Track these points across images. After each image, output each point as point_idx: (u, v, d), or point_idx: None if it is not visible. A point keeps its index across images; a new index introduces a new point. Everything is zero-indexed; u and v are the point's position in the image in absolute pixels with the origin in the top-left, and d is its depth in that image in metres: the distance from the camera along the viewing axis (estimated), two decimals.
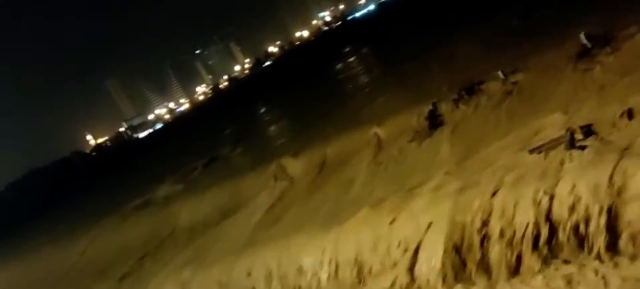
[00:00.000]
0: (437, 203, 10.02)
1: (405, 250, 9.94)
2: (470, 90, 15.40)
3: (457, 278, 9.02)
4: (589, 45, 13.25)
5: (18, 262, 31.23)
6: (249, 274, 12.94)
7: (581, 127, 9.19)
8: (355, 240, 11.00)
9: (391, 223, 10.61)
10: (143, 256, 20.23)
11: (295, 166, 19.03)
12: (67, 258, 25.29)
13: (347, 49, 66.59)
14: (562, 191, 8.22)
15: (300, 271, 11.70)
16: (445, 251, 9.16)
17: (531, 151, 9.49)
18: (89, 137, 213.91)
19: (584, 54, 13.01)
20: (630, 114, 8.90)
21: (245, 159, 28.46)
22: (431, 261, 9.31)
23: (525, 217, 8.48)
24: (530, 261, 8.38)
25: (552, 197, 8.28)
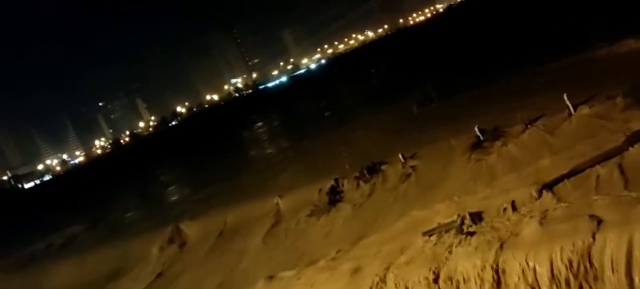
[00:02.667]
0: (332, 281, 9.95)
1: None
2: (372, 169, 15.84)
3: None
4: (481, 137, 14.19)
5: None
6: None
7: (471, 214, 9.64)
8: None
9: None
10: None
11: (192, 230, 18.39)
12: None
13: (256, 117, 66.93)
14: (449, 272, 8.48)
15: None
16: None
17: (424, 234, 9.77)
18: None
19: (477, 145, 13.88)
20: (513, 206, 9.50)
21: (139, 220, 27.05)
22: None
23: None
24: None
25: (438, 278, 8.51)
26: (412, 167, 14.94)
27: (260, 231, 15.55)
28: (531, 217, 8.60)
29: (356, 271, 9.71)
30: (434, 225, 9.95)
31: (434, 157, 14.75)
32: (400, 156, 15.56)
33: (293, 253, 12.59)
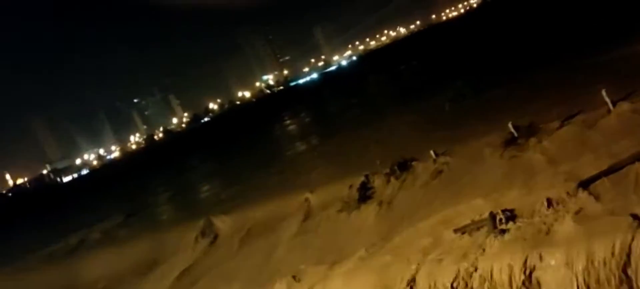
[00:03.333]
0: (361, 276, 9.92)
1: None
2: (403, 166, 15.71)
3: None
4: (516, 134, 13.92)
5: None
6: None
7: (504, 211, 9.47)
8: None
9: None
10: None
11: (224, 224, 18.61)
12: None
13: (287, 114, 67.22)
14: (481, 270, 8.35)
15: None
16: None
17: (456, 231, 9.65)
18: (7, 177, 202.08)
19: (510, 142, 13.63)
20: (548, 203, 9.28)
21: (173, 213, 27.57)
22: None
23: None
24: None
25: (471, 276, 8.38)
26: (444, 164, 14.76)
27: (291, 226, 15.62)
28: (566, 215, 8.40)
29: (386, 267, 9.66)
30: (466, 222, 9.82)
31: (466, 154, 14.54)
32: (431, 152, 15.39)
33: (323, 249, 12.59)
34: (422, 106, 27.46)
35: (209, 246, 17.69)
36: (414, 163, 15.58)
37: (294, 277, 11.24)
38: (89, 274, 20.56)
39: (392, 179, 15.43)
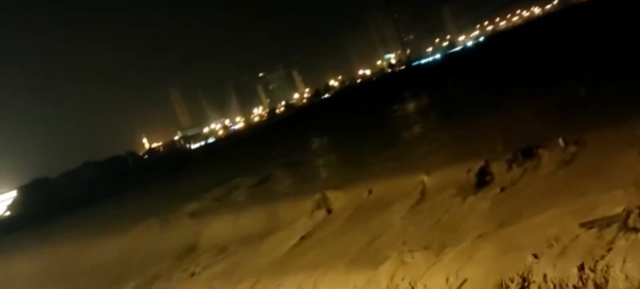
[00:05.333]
0: (473, 263, 9.55)
1: None
2: (527, 153, 14.81)
3: None
4: None
5: (44, 251, 31.82)
6: None
7: None
8: (385, 287, 10.65)
9: (423, 274, 10.20)
10: (175, 263, 20.35)
11: (338, 199, 18.85)
12: (101, 254, 25.77)
13: (407, 94, 66.37)
14: (606, 269, 7.65)
15: None
16: None
17: (582, 225, 8.93)
18: (144, 140, 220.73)
19: None
20: None
21: (290, 184, 28.46)
22: None
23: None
24: None
25: (592, 273, 7.71)
26: (574, 153, 13.71)
27: (403, 206, 15.42)
28: None
29: (501, 256, 9.21)
30: (594, 217, 9.04)
31: (601, 144, 13.37)
32: (560, 140, 14.35)
33: (433, 232, 12.29)
34: (553, 89, 25.69)
35: (322, 219, 18.01)
36: (539, 150, 14.63)
37: (401, 259, 11.09)
38: (211, 234, 21.89)
39: (514, 166, 14.62)
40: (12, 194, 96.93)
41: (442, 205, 14.17)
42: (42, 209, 65.78)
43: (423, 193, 15.85)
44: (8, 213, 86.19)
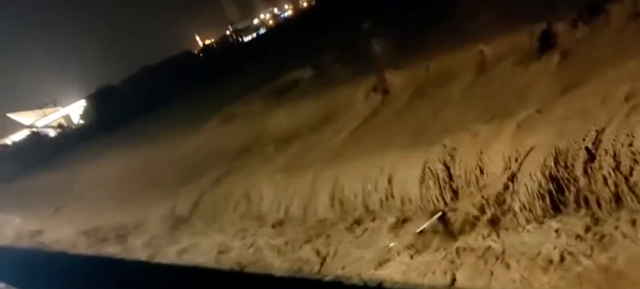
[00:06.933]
0: (539, 129, 9.40)
1: (502, 172, 9.54)
2: (595, 9, 13.93)
3: (555, 208, 8.55)
4: None
5: (124, 152, 33.51)
6: (336, 185, 13.04)
7: None
8: (450, 160, 10.70)
9: (486, 145, 10.18)
10: (240, 159, 20.94)
11: (395, 78, 18.62)
12: (171, 152, 26.92)
13: None
14: None
15: (391, 183, 11.57)
16: (544, 178, 8.66)
17: None
18: (197, 38, 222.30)
19: None
20: None
21: (344, 69, 28.17)
22: (528, 187, 8.85)
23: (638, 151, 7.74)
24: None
25: None
26: None
27: (462, 80, 15.11)
28: None
29: (567, 122, 9.00)
30: None
31: None
32: None
33: (496, 104, 12.05)
34: None
35: (380, 101, 17.95)
36: (607, 5, 13.74)
37: (465, 131, 11.04)
38: (272, 124, 22.32)
39: (580, 24, 13.85)
40: (81, 102, 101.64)
41: (504, 74, 13.79)
42: (111, 116, 68.74)
43: (483, 64, 15.41)
44: (82, 122, 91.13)
